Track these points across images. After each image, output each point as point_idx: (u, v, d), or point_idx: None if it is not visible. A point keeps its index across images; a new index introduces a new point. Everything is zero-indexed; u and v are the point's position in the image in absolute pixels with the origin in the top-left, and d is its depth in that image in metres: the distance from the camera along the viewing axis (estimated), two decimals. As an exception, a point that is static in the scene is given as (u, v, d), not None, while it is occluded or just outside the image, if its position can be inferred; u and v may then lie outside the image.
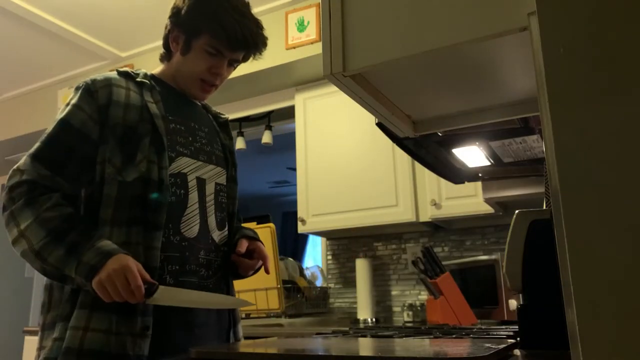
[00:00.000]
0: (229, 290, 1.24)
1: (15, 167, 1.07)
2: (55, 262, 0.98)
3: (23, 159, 1.07)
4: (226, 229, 1.24)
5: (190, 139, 1.18)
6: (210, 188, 1.19)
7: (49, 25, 3.05)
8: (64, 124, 1.07)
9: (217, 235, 1.19)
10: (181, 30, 1.18)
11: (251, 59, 1.25)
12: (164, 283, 1.06)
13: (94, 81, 1.11)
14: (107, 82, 1.11)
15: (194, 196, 1.15)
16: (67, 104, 1.11)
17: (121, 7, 2.96)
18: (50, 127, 1.09)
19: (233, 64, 1.22)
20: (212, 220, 1.18)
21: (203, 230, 1.15)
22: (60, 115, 1.09)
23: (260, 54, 1.25)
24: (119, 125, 1.08)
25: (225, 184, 1.25)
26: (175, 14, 1.19)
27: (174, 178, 1.11)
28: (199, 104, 1.32)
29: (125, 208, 1.05)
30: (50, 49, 3.35)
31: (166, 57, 1.25)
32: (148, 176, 1.06)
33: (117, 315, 1.01)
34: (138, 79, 1.16)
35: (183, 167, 1.14)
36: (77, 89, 1.12)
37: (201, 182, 1.17)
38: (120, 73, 1.17)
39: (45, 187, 1.04)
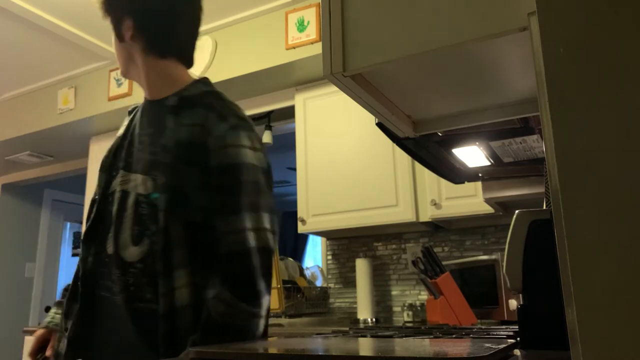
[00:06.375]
0: (141, 313, 1.06)
1: None
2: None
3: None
4: (147, 243, 1.09)
5: (139, 148, 1.16)
6: (130, 201, 1.12)
7: (49, 25, 3.05)
8: None
9: (130, 251, 1.09)
10: None
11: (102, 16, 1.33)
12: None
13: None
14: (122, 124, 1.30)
15: (114, 212, 1.13)
16: None
17: (121, 7, 2.96)
18: None
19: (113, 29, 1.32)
20: (125, 237, 1.10)
21: (115, 248, 1.11)
22: None
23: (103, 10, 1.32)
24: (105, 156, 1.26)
25: (145, 193, 1.10)
26: None
27: (110, 197, 1.18)
28: (171, 103, 1.18)
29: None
30: (50, 49, 3.35)
31: None
32: (94, 198, 1.22)
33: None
34: (130, 109, 1.32)
35: (116, 185, 1.17)
36: None
37: (124, 196, 1.13)
38: (130, 111, 1.32)
39: None
